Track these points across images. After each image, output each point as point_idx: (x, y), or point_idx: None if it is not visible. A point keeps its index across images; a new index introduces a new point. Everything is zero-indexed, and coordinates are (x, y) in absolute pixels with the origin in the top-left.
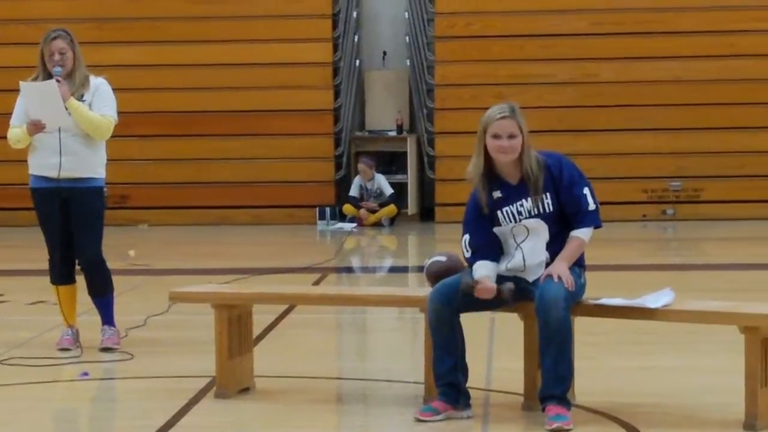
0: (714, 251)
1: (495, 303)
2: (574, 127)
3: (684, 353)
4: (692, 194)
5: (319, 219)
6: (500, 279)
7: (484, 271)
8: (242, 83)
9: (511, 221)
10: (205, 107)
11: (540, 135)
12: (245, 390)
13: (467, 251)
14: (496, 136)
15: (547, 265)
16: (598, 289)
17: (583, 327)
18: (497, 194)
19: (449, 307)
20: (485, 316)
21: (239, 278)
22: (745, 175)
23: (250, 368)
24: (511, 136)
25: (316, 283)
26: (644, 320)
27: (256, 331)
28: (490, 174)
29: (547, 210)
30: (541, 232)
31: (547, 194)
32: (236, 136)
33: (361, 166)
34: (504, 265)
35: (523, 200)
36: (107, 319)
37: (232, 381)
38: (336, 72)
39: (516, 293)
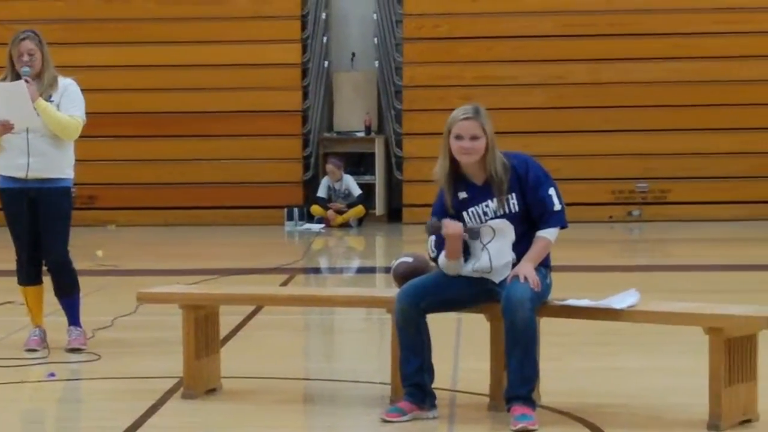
0: (680, 252)
1: (461, 303)
2: (542, 129)
3: (649, 354)
4: (659, 195)
5: (288, 220)
6: (468, 283)
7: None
8: (211, 84)
9: (476, 222)
10: (174, 108)
11: (507, 136)
12: (212, 390)
13: (433, 252)
14: (458, 137)
15: (514, 265)
16: (564, 290)
17: (549, 328)
18: (463, 195)
19: (416, 307)
20: (452, 317)
21: (207, 279)
22: (711, 177)
23: (217, 369)
24: (474, 138)
25: (284, 283)
26: (610, 321)
27: (224, 331)
28: (456, 175)
29: (513, 210)
30: (506, 232)
31: (513, 195)
32: (205, 137)
33: (329, 167)
34: (470, 267)
35: (489, 201)
36: (73, 319)
37: (199, 381)
38: (305, 73)
39: (480, 236)
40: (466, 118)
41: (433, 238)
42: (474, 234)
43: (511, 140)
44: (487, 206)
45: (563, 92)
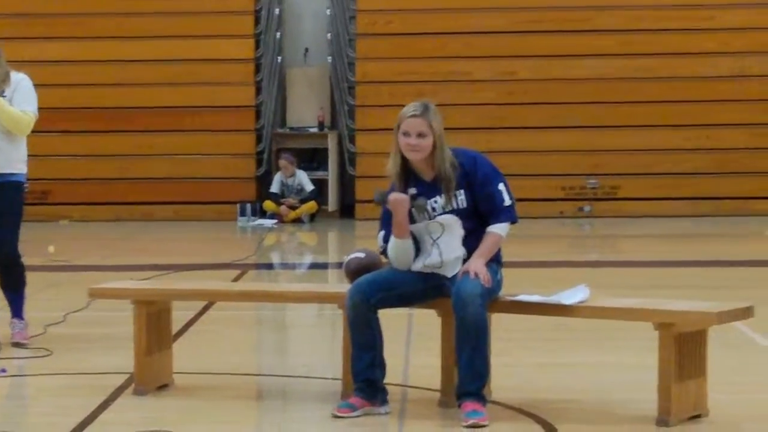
0: (630, 248)
1: (412, 298)
2: (494, 125)
3: (599, 350)
4: (609, 191)
5: (240, 215)
6: (419, 279)
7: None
8: (164, 79)
9: (426, 217)
10: (127, 103)
11: (460, 132)
12: (164, 386)
13: (382, 247)
14: (406, 134)
15: (465, 261)
16: (515, 286)
17: (499, 323)
18: (412, 191)
19: (367, 303)
20: (403, 312)
21: (159, 275)
22: (662, 173)
23: (169, 365)
24: (421, 135)
25: (236, 279)
26: (560, 317)
27: (176, 327)
28: (407, 171)
29: (461, 206)
30: (455, 228)
31: (461, 191)
32: (158, 132)
33: (282, 162)
34: (421, 262)
35: (437, 197)
36: (17, 312)
37: (150, 377)
38: (258, 68)
39: (427, 210)
40: (414, 116)
41: (383, 233)
42: (420, 207)
43: (464, 136)
44: (435, 202)
45: (514, 88)
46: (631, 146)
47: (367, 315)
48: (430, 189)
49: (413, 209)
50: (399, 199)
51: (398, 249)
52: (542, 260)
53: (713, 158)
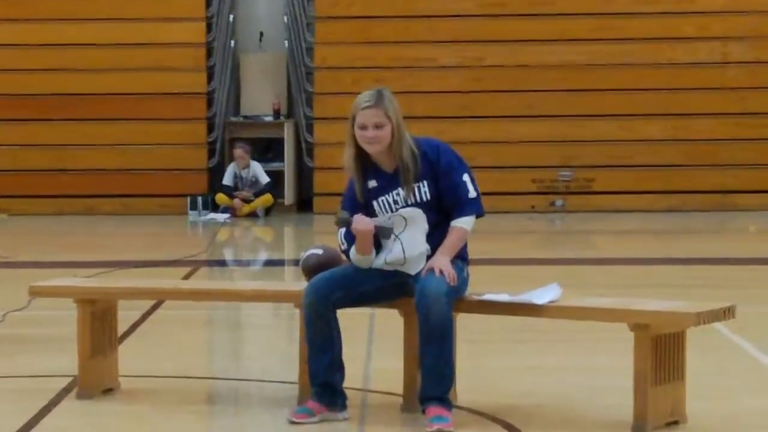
0: (605, 245)
1: (373, 297)
2: (460, 114)
3: (571, 352)
4: (583, 185)
5: (191, 209)
6: (381, 276)
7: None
8: (109, 64)
9: (387, 211)
10: (69, 90)
11: (425, 121)
12: (109, 390)
13: (344, 244)
14: (362, 127)
15: (429, 257)
16: (482, 284)
17: (466, 324)
18: (372, 183)
19: (325, 302)
20: (364, 312)
21: (105, 272)
22: (639, 165)
23: (114, 367)
24: (378, 126)
25: (187, 277)
26: (530, 317)
27: (122, 328)
28: (365, 163)
29: (424, 198)
30: (419, 221)
31: (424, 182)
32: (103, 121)
33: (236, 153)
34: (383, 258)
35: (399, 189)
36: None
37: (95, 381)
38: (209, 53)
39: (392, 233)
40: (368, 107)
41: (343, 230)
42: (386, 232)
43: (429, 125)
44: (397, 194)
45: (482, 75)
46: (607, 136)
47: (325, 314)
48: (390, 181)
49: (379, 234)
50: (364, 231)
51: (360, 260)
52: (511, 257)
53: (693, 149)
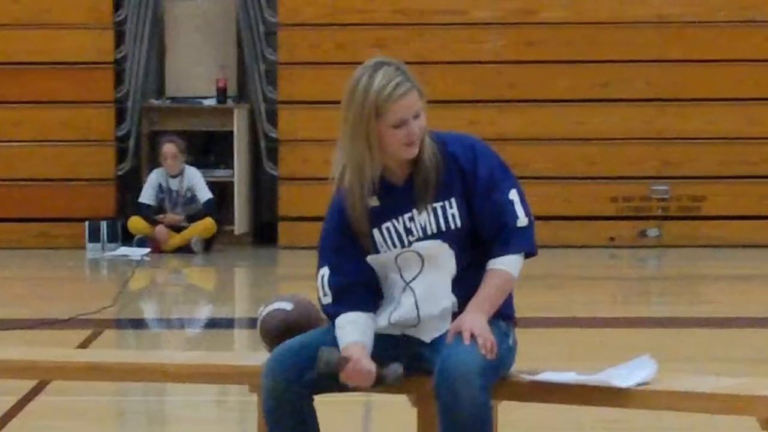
0: (719, 297)
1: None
2: (500, 96)
3: None
4: (688, 205)
5: (90, 241)
6: (382, 345)
7: (353, 335)
8: None
9: (395, 244)
10: None
11: (444, 107)
12: None
13: (326, 295)
14: (401, 125)
15: (455, 315)
16: (537, 357)
17: (512, 418)
18: (372, 202)
19: (296, 384)
20: (355, 398)
21: None
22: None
23: None
24: (417, 116)
25: (84, 344)
26: (611, 407)
27: None
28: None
29: (452, 226)
30: (442, 261)
31: (452, 201)
32: None
33: (166, 150)
34: (386, 318)
35: (414, 210)
36: None
37: None
38: (118, 3)
39: (405, 375)
40: (405, 93)
41: (325, 271)
42: (393, 379)
43: (451, 114)
44: (411, 219)
45: (534, 36)
46: (725, 132)
47: (295, 402)
48: (401, 198)
49: (385, 380)
50: (360, 376)
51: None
52: (581, 316)
53: None
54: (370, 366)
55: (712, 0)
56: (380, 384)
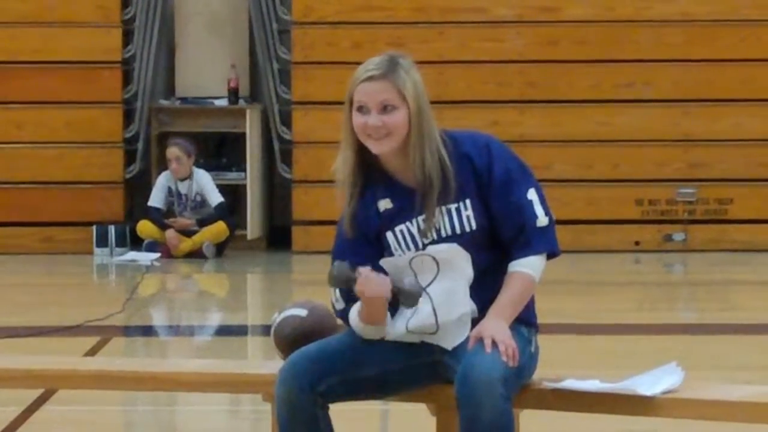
0: (748, 302)
1: (387, 386)
2: (521, 96)
3: None
4: (715, 209)
5: (98, 245)
6: (401, 353)
7: None
8: None
9: (408, 247)
10: None
11: (463, 107)
12: None
13: (339, 301)
14: (361, 110)
15: (475, 322)
16: (559, 364)
17: (535, 427)
18: (385, 204)
19: (311, 392)
20: (372, 408)
21: None
22: None
23: None
24: (386, 109)
25: (92, 352)
26: (636, 416)
27: None
28: (372, 172)
29: (467, 228)
30: (458, 265)
31: (467, 202)
32: None
33: (171, 153)
34: (403, 325)
35: (426, 212)
36: None
37: None
38: (126, 0)
39: (420, 296)
40: (371, 78)
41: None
42: (410, 297)
43: (470, 114)
44: (425, 222)
45: (557, 35)
46: (753, 134)
47: (310, 411)
48: (413, 201)
49: (399, 298)
50: (374, 297)
51: (369, 332)
52: (605, 322)
53: None
54: (382, 277)
55: None
56: (398, 296)
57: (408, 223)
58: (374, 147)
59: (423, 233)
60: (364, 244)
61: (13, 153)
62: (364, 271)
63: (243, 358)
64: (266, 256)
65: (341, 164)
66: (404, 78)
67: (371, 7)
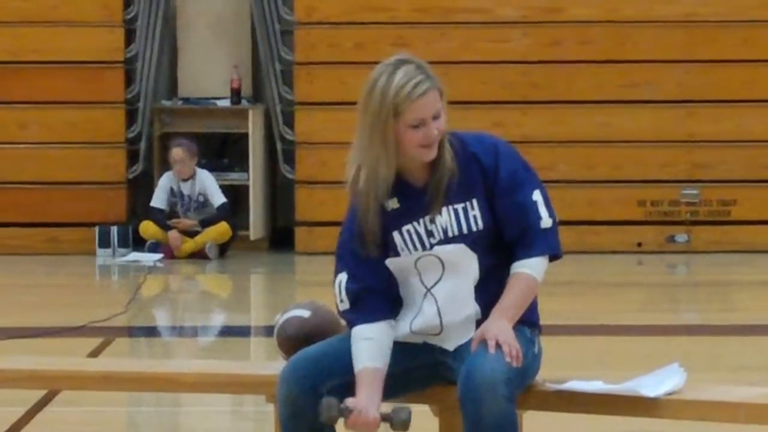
0: (751, 304)
1: (391, 387)
2: (524, 97)
3: None
4: (718, 210)
5: (100, 246)
6: (403, 353)
7: (368, 357)
8: None
9: (415, 247)
10: None
11: (467, 108)
12: None
13: (343, 301)
14: (419, 126)
15: (479, 322)
16: (563, 366)
17: (538, 426)
18: (392, 204)
19: (314, 393)
20: None
21: None
22: None
23: None
24: (437, 117)
25: (95, 353)
26: (639, 417)
27: None
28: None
29: (475, 227)
30: (463, 266)
31: (473, 202)
32: None
33: (174, 154)
34: (407, 325)
35: (433, 212)
36: None
37: None
38: (128, 0)
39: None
40: (426, 91)
41: (343, 277)
42: (401, 426)
43: (474, 115)
44: (432, 221)
45: (560, 35)
46: (756, 135)
47: (312, 413)
48: (421, 200)
49: (390, 425)
50: (364, 425)
51: None
52: (607, 324)
53: None
54: (375, 414)
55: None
56: (389, 423)
57: (415, 223)
58: (427, 155)
59: (430, 233)
60: (369, 244)
61: (15, 153)
62: (356, 412)
63: (246, 359)
64: (269, 256)
65: (368, 179)
66: (438, 80)
67: (374, 7)
